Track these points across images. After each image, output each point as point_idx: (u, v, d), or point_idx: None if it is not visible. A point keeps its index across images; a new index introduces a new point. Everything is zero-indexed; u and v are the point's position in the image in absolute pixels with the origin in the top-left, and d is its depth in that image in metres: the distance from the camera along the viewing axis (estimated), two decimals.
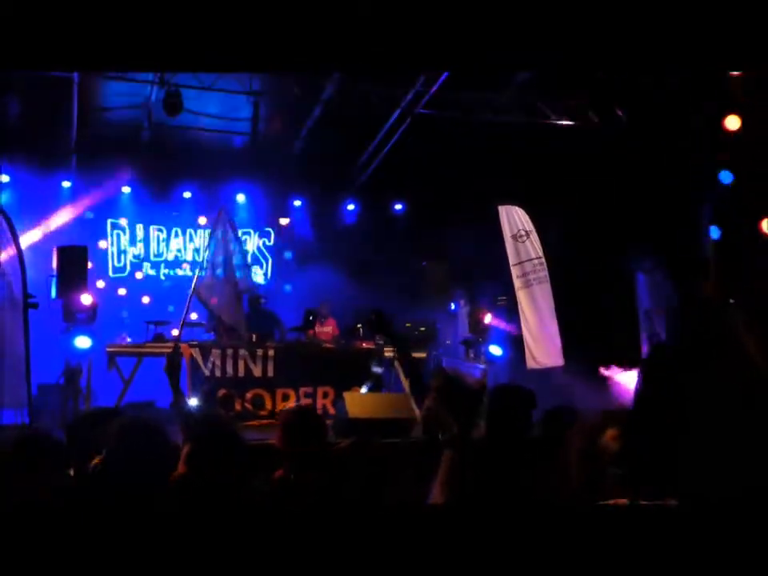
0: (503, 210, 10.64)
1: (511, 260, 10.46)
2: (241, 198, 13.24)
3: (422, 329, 11.07)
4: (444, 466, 2.33)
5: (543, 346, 10.19)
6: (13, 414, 8.45)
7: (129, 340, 10.41)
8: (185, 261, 13.15)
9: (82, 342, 9.38)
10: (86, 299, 9.70)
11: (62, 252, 9.74)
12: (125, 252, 12.90)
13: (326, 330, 11.10)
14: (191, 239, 13.23)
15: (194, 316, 10.45)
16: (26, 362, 8.71)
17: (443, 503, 2.23)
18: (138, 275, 12.97)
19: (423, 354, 10.09)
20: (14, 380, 8.55)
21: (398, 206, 13.67)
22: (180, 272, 13.10)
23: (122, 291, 12.66)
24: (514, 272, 10.44)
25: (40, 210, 11.64)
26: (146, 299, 12.45)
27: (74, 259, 9.72)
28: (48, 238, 11.37)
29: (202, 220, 12.84)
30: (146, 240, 13.03)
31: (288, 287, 13.35)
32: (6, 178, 11.56)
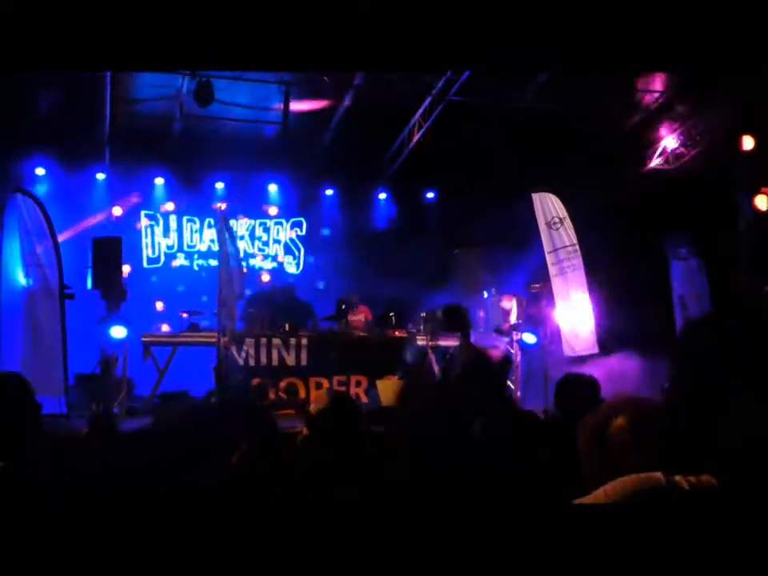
0: (537, 198, 10.56)
1: (546, 247, 10.39)
2: (272, 187, 13.26)
3: None
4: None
5: (578, 333, 10.10)
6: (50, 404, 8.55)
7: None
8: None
9: (118, 331, 9.45)
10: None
11: (98, 243, 9.82)
12: (159, 243, 13.03)
13: (359, 317, 11.10)
14: None
15: None
16: (63, 352, 8.83)
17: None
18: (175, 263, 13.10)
19: (457, 343, 10.03)
20: (51, 369, 8.67)
21: (430, 194, 13.59)
22: (213, 262, 13.16)
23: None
24: (549, 259, 10.37)
25: (75, 203, 11.76)
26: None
27: (109, 250, 9.79)
28: (83, 229, 11.50)
29: (222, 206, 12.75)
30: (179, 231, 13.13)
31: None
32: (41, 171, 11.71)
